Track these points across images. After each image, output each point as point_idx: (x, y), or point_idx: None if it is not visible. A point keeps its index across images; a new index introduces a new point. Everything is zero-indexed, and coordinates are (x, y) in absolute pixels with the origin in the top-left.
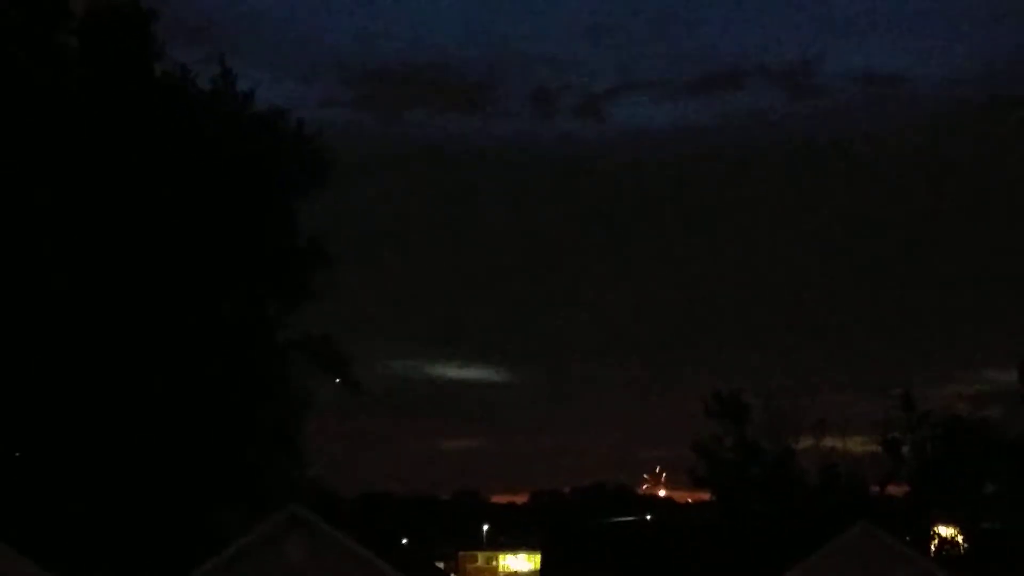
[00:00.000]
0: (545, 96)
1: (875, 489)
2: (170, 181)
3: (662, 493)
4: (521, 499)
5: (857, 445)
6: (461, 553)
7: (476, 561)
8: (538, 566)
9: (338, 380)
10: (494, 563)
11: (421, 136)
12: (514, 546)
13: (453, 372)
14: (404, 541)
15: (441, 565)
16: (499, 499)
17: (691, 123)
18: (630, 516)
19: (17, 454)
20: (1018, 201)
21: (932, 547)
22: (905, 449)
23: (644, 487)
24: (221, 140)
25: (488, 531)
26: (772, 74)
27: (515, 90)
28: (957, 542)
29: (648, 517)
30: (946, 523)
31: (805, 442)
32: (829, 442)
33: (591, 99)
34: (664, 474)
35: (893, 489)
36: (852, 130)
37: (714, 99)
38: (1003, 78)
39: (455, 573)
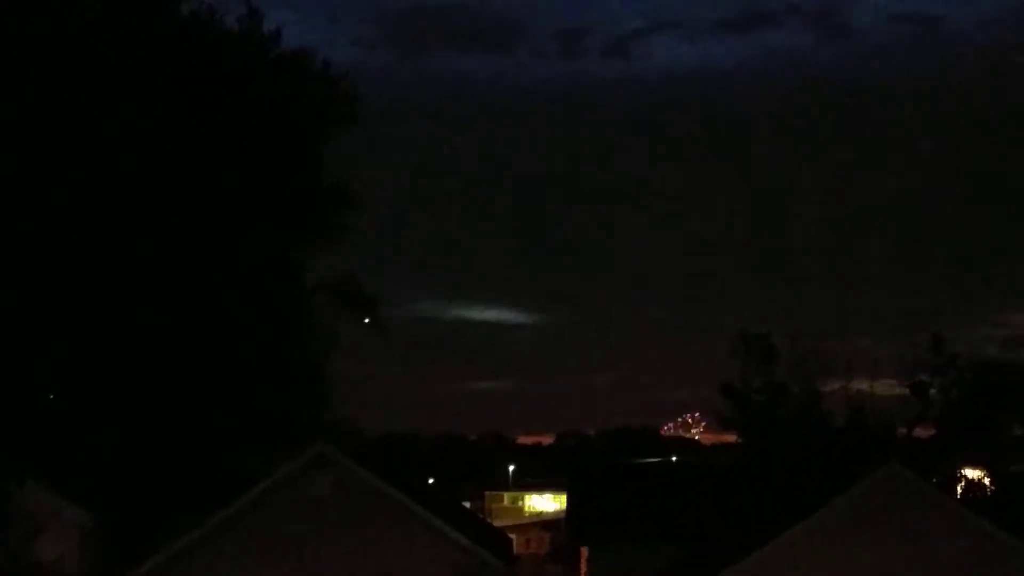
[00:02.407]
0: (574, 36)
1: (902, 431)
2: (196, 122)
3: (696, 435)
4: (547, 440)
5: (885, 388)
6: (487, 493)
7: (502, 501)
8: (564, 506)
9: (366, 321)
10: (520, 503)
11: (449, 76)
12: (540, 486)
13: (479, 314)
14: (430, 480)
15: (467, 504)
16: (525, 440)
17: (720, 63)
18: (655, 458)
19: (51, 396)
20: None
21: (959, 489)
22: (933, 391)
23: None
24: (247, 81)
25: (514, 471)
26: (803, 14)
27: (543, 30)
28: (984, 484)
29: (673, 458)
30: (973, 465)
31: (833, 384)
32: (857, 384)
33: (620, 39)
34: (693, 417)
35: (920, 432)
36: (883, 71)
37: (744, 39)
38: None
39: (481, 513)
